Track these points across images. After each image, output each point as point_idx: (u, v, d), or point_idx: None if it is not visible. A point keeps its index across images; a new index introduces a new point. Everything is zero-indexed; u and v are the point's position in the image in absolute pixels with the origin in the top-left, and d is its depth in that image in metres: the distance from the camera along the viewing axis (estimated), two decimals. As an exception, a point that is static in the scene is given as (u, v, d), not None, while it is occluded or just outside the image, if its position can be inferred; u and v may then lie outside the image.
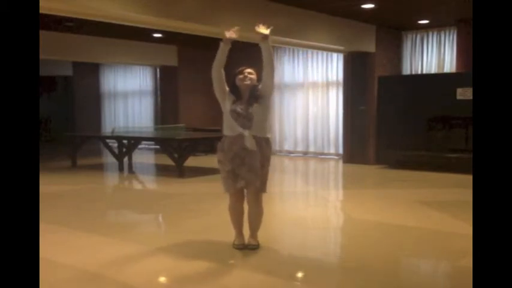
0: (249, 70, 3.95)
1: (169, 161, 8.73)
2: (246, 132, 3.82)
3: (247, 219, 4.08)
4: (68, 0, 5.38)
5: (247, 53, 10.64)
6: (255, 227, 4.10)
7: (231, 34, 3.89)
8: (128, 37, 10.50)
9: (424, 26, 9.65)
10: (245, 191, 4.02)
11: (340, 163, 10.33)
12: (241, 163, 3.84)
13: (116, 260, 3.98)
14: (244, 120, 3.85)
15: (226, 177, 3.91)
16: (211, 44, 10.54)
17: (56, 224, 5.03)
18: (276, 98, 11.55)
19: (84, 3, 5.42)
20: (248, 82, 3.89)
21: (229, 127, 3.91)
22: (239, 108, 3.87)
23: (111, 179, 9.41)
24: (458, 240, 4.42)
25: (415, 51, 10.11)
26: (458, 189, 6.96)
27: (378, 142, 9.66)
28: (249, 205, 4.03)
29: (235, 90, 3.94)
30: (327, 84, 11.14)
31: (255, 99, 3.90)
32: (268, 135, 4.01)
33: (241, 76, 3.90)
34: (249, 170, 3.83)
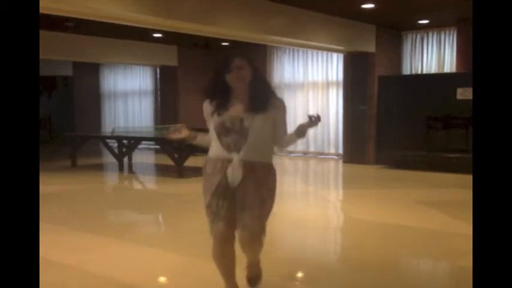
0: (236, 63, 2.67)
1: (169, 161, 8.73)
2: (235, 157, 2.64)
3: (245, 268, 3.11)
4: (68, 0, 5.38)
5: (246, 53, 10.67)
6: (252, 276, 3.09)
7: (177, 135, 2.85)
8: (128, 37, 10.50)
9: (424, 26, 9.65)
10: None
11: (340, 163, 10.32)
12: (225, 197, 2.68)
13: (115, 259, 3.98)
14: (237, 137, 2.65)
15: (207, 214, 2.75)
16: (211, 44, 10.60)
17: (55, 224, 5.03)
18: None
19: (84, 3, 5.42)
20: (241, 82, 2.68)
21: (214, 147, 2.74)
22: (229, 121, 2.66)
23: (111, 179, 9.41)
24: (458, 240, 4.42)
25: (415, 51, 10.10)
26: (458, 189, 6.96)
27: (378, 142, 9.66)
28: (245, 253, 2.92)
29: (224, 92, 2.71)
30: (327, 84, 11.14)
31: (259, 107, 2.67)
32: (271, 160, 2.82)
33: (230, 74, 2.66)
34: (243, 213, 2.67)
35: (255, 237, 2.75)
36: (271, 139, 2.76)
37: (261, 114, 2.66)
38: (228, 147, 2.66)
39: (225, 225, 2.69)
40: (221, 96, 2.71)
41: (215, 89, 2.74)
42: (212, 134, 2.72)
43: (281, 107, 2.77)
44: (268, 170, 2.77)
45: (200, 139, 2.88)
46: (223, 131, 2.67)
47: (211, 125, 2.72)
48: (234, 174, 2.64)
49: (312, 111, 11.36)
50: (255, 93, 2.69)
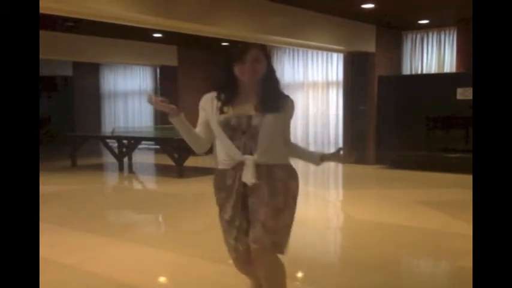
0: (253, 54, 2.34)
1: (169, 161, 8.73)
2: (248, 160, 2.33)
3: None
4: (68, 0, 5.38)
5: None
6: None
7: (164, 107, 2.40)
8: (128, 37, 10.50)
9: (424, 26, 9.65)
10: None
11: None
12: (245, 210, 2.40)
13: (115, 260, 3.98)
14: (245, 138, 2.35)
15: (225, 232, 2.50)
16: (211, 44, 10.59)
17: (55, 224, 5.03)
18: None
19: (84, 3, 5.42)
20: (254, 77, 2.36)
21: (223, 151, 2.41)
22: (235, 119, 2.35)
23: (111, 179, 9.41)
24: (458, 240, 4.42)
25: (415, 51, 10.11)
26: (458, 189, 6.96)
27: (378, 142, 9.66)
28: (257, 270, 2.49)
29: (230, 87, 2.40)
30: (327, 84, 11.15)
31: (270, 106, 2.36)
32: (289, 162, 2.50)
33: (242, 66, 2.34)
34: (255, 223, 2.36)
35: (267, 253, 2.37)
36: (282, 140, 2.47)
37: (271, 113, 2.33)
38: (241, 148, 2.34)
39: (242, 247, 2.41)
40: (229, 90, 2.39)
41: (224, 82, 2.41)
42: (220, 136, 2.38)
43: (291, 108, 2.48)
44: (289, 174, 2.44)
45: (183, 122, 2.45)
46: (228, 131, 2.34)
47: (215, 123, 2.38)
48: (249, 178, 2.32)
49: (312, 112, 11.41)
50: (267, 90, 2.38)
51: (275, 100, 2.38)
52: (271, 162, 2.38)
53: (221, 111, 2.36)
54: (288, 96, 2.48)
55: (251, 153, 2.34)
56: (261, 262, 2.41)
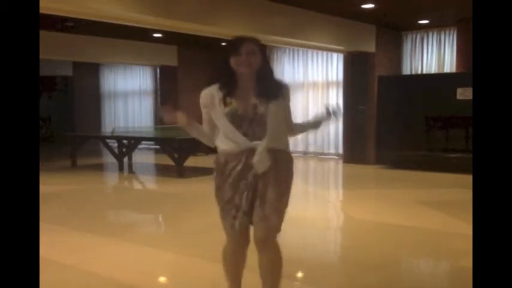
0: (248, 47, 2.45)
1: (169, 161, 8.73)
2: (259, 145, 2.45)
3: (259, 271, 2.69)
4: (68, 0, 5.38)
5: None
6: (271, 282, 2.66)
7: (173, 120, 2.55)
8: (128, 37, 10.50)
9: (424, 26, 9.65)
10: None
11: (340, 163, 10.33)
12: (248, 191, 2.51)
13: (115, 260, 3.98)
14: (253, 126, 2.47)
15: (224, 211, 2.60)
16: (211, 44, 10.60)
17: (55, 224, 5.03)
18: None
19: (84, 3, 5.42)
20: (250, 69, 2.46)
21: (229, 138, 2.49)
22: (241, 109, 2.46)
23: (111, 179, 9.41)
24: (458, 240, 4.42)
25: (415, 51, 10.11)
26: (458, 189, 6.96)
27: (378, 142, 9.66)
28: (258, 251, 2.61)
29: (230, 80, 2.49)
30: (327, 84, 11.15)
31: (271, 94, 2.49)
32: (289, 147, 2.69)
33: (238, 58, 2.44)
34: (263, 203, 2.50)
35: (272, 232, 2.54)
36: (285, 126, 2.62)
37: (273, 101, 2.47)
38: (248, 136, 2.46)
39: (248, 222, 2.54)
40: (229, 83, 2.48)
41: (223, 75, 2.50)
42: (225, 125, 2.47)
43: (288, 94, 2.61)
44: (289, 159, 2.64)
45: (194, 126, 2.61)
46: (236, 120, 2.45)
47: (220, 115, 2.47)
48: (262, 162, 2.44)
49: (312, 112, 11.41)
50: (264, 80, 2.49)
51: (273, 89, 2.52)
52: (277, 147, 2.53)
53: (225, 103, 2.47)
54: (283, 83, 2.63)
55: (259, 139, 2.46)
56: (265, 244, 2.55)
